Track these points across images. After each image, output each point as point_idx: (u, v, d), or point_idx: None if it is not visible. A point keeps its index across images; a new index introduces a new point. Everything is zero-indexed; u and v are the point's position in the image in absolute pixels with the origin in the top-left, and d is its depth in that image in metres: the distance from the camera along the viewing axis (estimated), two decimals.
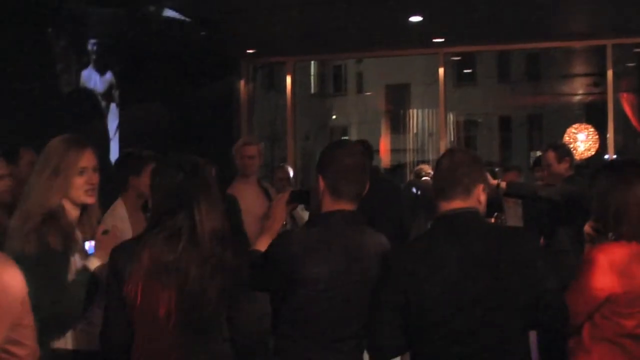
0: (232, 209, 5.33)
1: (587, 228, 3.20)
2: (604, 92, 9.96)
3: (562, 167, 6.29)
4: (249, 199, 5.84)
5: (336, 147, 3.12)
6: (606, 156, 9.91)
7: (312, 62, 24.91)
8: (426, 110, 23.96)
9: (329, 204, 2.99)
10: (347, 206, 2.98)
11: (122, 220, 4.38)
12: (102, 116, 8.63)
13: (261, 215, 5.91)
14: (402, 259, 2.88)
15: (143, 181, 4.50)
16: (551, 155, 6.33)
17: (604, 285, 2.90)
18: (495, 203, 6.51)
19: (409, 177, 10.07)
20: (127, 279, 2.70)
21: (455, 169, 2.90)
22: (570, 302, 2.95)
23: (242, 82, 10.80)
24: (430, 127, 23.58)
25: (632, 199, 3.00)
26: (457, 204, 2.87)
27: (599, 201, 3.10)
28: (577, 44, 10.86)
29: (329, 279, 2.87)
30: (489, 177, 5.53)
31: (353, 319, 2.92)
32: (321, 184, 3.02)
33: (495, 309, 2.73)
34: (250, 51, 10.30)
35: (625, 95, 12.03)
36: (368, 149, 6.24)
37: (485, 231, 2.91)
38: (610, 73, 9.73)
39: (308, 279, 2.87)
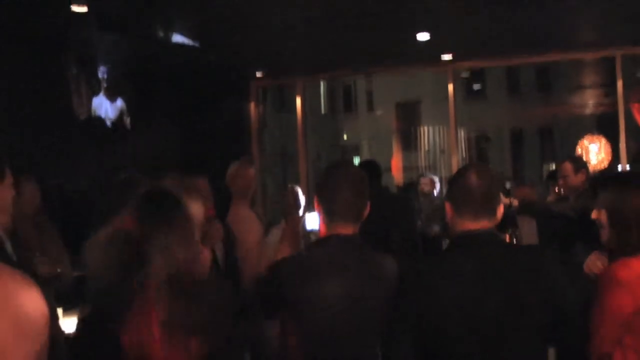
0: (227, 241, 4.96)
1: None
2: (615, 103, 9.92)
3: (579, 179, 6.29)
4: (245, 225, 5.71)
5: (331, 169, 3.07)
6: (619, 167, 9.86)
7: (322, 82, 24.95)
8: (437, 127, 23.97)
9: (325, 226, 2.97)
10: (345, 229, 2.94)
11: None
12: (114, 143, 8.66)
13: (256, 240, 5.84)
14: (418, 276, 2.85)
15: None
16: (568, 166, 6.33)
17: (627, 301, 2.86)
18: (509, 219, 6.48)
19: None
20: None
21: (486, 190, 2.86)
22: (596, 326, 2.91)
23: (252, 105, 10.84)
24: (442, 144, 23.59)
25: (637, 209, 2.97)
26: (484, 224, 2.83)
27: (610, 215, 3.07)
28: (587, 56, 10.84)
29: (323, 303, 2.82)
30: (502, 195, 5.52)
31: (355, 343, 2.87)
32: (317, 206, 2.99)
33: (513, 326, 2.70)
34: (259, 74, 10.34)
35: (636, 105, 11.97)
36: (374, 169, 6.18)
37: (503, 249, 2.88)
38: (620, 83, 9.71)
39: (302, 303, 2.84)
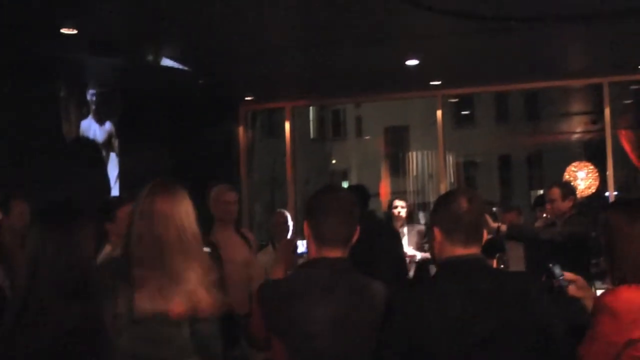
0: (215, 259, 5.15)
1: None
2: (602, 130, 9.98)
3: (566, 205, 6.31)
4: (230, 246, 5.75)
5: (321, 192, 3.05)
6: (607, 193, 9.89)
7: (311, 108, 25.01)
8: (425, 152, 24.02)
9: (315, 251, 2.96)
10: (333, 253, 2.93)
11: None
12: (103, 165, 8.65)
13: (242, 262, 5.87)
14: (406, 301, 2.83)
15: (120, 225, 4.49)
16: (556, 191, 6.35)
17: (619, 332, 2.85)
18: (496, 244, 6.49)
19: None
20: None
21: (476, 215, 2.86)
22: (587, 354, 2.90)
23: (241, 128, 10.84)
24: (430, 169, 23.62)
25: (638, 237, 2.95)
26: (473, 250, 2.83)
27: (606, 239, 3.06)
28: (574, 83, 10.91)
29: (310, 326, 2.80)
30: (489, 219, 5.52)
31: None
32: (306, 230, 2.99)
33: (501, 352, 2.70)
34: (249, 98, 10.35)
35: (623, 132, 12.06)
36: (362, 194, 6.17)
37: (492, 275, 2.88)
38: (607, 111, 9.77)
39: (289, 326, 2.82)
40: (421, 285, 3.07)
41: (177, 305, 2.87)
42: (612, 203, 3.25)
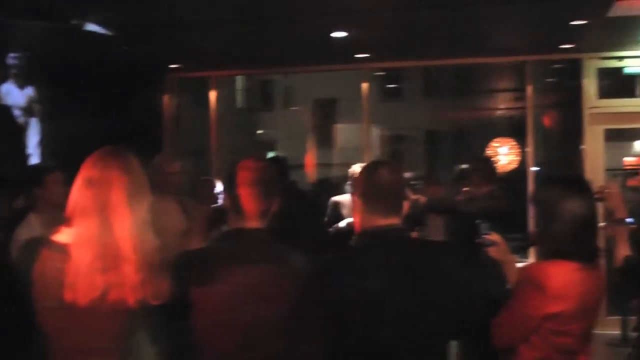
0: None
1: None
2: (525, 107, 10.16)
3: (485, 179, 6.42)
4: (170, 216, 5.72)
5: (239, 164, 3.05)
6: (532, 169, 10.08)
7: (239, 77, 24.79)
8: (353, 125, 24.05)
9: (233, 222, 2.97)
10: (252, 223, 2.94)
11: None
12: (21, 132, 8.46)
13: (180, 232, 5.85)
14: (324, 272, 2.86)
15: (49, 191, 4.57)
16: (475, 167, 6.47)
17: (542, 305, 2.92)
18: (416, 217, 6.57)
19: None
20: None
21: (397, 186, 2.88)
22: (507, 322, 2.97)
23: (166, 97, 10.71)
24: (356, 142, 23.68)
25: (569, 214, 3.01)
26: (393, 220, 2.86)
27: (537, 214, 3.12)
28: (499, 60, 11.07)
29: (228, 297, 2.82)
30: (409, 192, 5.59)
31: (259, 342, 2.86)
32: (226, 201, 2.99)
33: (417, 320, 2.74)
34: (175, 66, 10.22)
35: (545, 110, 12.30)
36: (282, 165, 6.17)
37: (409, 243, 2.92)
38: (529, 88, 9.95)
39: (203, 300, 2.82)
40: (339, 255, 3.10)
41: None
42: (545, 179, 3.31)
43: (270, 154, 26.38)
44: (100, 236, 2.75)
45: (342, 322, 2.75)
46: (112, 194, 2.81)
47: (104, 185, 2.82)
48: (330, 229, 7.50)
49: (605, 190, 3.55)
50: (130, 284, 2.74)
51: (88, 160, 2.91)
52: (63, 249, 2.77)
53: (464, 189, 6.91)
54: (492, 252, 3.25)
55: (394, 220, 2.87)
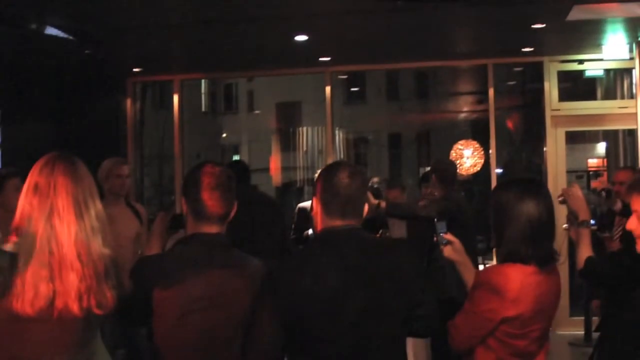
0: None
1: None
2: (487, 110, 10.22)
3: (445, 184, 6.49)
4: (121, 220, 5.71)
5: (197, 168, 3.02)
6: (497, 171, 10.16)
7: (203, 81, 24.72)
8: (316, 128, 24.09)
9: (192, 226, 2.96)
10: (210, 228, 2.93)
11: None
12: None
13: (133, 237, 5.83)
14: (282, 274, 2.85)
15: (7, 197, 4.57)
16: (434, 175, 6.54)
17: (499, 309, 2.93)
18: (378, 220, 6.60)
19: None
20: None
21: (356, 189, 2.87)
22: (463, 325, 2.97)
23: (128, 101, 10.63)
24: (320, 145, 23.73)
25: (525, 216, 3.02)
26: (350, 222, 2.86)
27: (494, 217, 3.12)
28: (461, 64, 11.12)
29: (185, 303, 2.81)
30: (370, 196, 5.60)
31: (217, 346, 2.85)
32: (184, 206, 2.98)
33: (372, 318, 2.74)
34: (137, 69, 10.15)
35: (507, 112, 12.41)
36: (243, 169, 6.16)
37: (365, 243, 2.91)
38: (491, 91, 10.02)
39: (163, 305, 2.80)
40: (295, 258, 3.09)
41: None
42: (501, 182, 3.30)
43: (235, 158, 26.36)
44: (46, 244, 2.71)
45: (300, 329, 2.75)
46: (58, 200, 2.76)
47: (50, 192, 2.77)
48: (295, 236, 7.49)
49: (569, 193, 3.58)
50: (75, 292, 2.70)
51: (34, 166, 2.86)
52: (11, 257, 2.71)
53: (428, 191, 6.95)
54: (447, 251, 3.26)
55: (352, 222, 2.87)
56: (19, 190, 4.68)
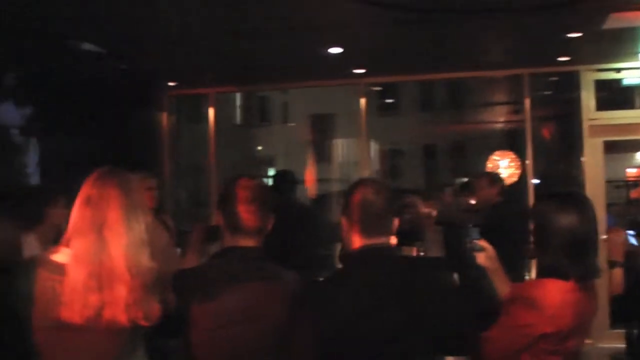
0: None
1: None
2: (523, 120, 10.15)
3: (492, 192, 6.46)
4: (154, 233, 5.74)
5: (233, 181, 3.03)
6: (533, 181, 10.07)
7: (237, 93, 24.85)
8: (350, 140, 24.10)
9: (228, 240, 2.95)
10: (246, 242, 2.93)
11: None
12: (19, 151, 8.46)
13: (161, 248, 5.86)
14: (314, 294, 2.85)
15: (57, 212, 4.64)
16: (484, 180, 6.50)
17: (537, 324, 2.89)
18: (417, 231, 6.57)
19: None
20: None
21: (382, 205, 2.86)
22: (499, 340, 2.93)
23: (164, 115, 10.70)
24: (355, 157, 23.72)
25: (565, 230, 2.97)
26: (380, 239, 2.85)
27: (534, 230, 3.08)
28: (496, 74, 11.06)
29: (221, 317, 2.81)
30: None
31: (253, 357, 2.85)
32: (220, 219, 2.98)
33: (406, 338, 2.73)
34: (172, 84, 10.22)
35: (544, 122, 12.31)
36: (290, 179, 6.12)
37: (399, 263, 2.90)
38: (527, 101, 9.94)
39: (200, 318, 2.81)
40: (330, 277, 3.09)
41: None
42: (542, 195, 3.26)
43: (271, 170, 26.41)
44: (96, 255, 2.76)
45: (334, 346, 2.73)
46: (109, 212, 2.81)
47: (101, 204, 2.82)
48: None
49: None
50: (124, 303, 2.73)
51: (87, 180, 2.92)
52: (60, 268, 2.76)
53: (468, 201, 6.91)
54: (481, 258, 3.23)
55: (382, 240, 2.85)
56: (61, 204, 4.79)
